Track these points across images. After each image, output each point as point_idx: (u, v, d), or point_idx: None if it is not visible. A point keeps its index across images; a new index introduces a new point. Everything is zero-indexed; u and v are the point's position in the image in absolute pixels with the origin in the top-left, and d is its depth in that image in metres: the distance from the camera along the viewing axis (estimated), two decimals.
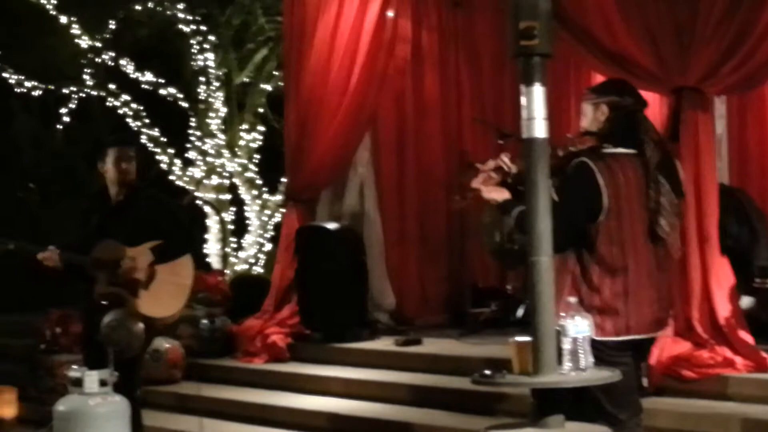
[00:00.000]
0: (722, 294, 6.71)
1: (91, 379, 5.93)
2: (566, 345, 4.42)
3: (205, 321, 9.50)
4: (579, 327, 4.43)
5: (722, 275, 6.74)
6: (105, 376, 5.98)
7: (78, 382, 5.96)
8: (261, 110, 12.50)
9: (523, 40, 4.36)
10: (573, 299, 4.57)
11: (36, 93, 13.28)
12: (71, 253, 6.65)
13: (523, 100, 4.41)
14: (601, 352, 4.75)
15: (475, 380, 4.52)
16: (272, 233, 12.32)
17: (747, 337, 6.66)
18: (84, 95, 13.09)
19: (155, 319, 6.63)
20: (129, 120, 12.72)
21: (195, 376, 8.92)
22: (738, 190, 8.11)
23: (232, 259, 12.25)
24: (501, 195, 4.97)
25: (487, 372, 4.47)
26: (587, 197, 4.85)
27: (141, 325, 6.41)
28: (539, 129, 4.39)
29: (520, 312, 9.14)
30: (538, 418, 4.42)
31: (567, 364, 4.42)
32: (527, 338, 4.45)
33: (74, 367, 6.30)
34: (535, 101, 4.39)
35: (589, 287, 4.88)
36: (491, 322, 9.26)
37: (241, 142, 12.45)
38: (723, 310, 6.68)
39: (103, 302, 6.55)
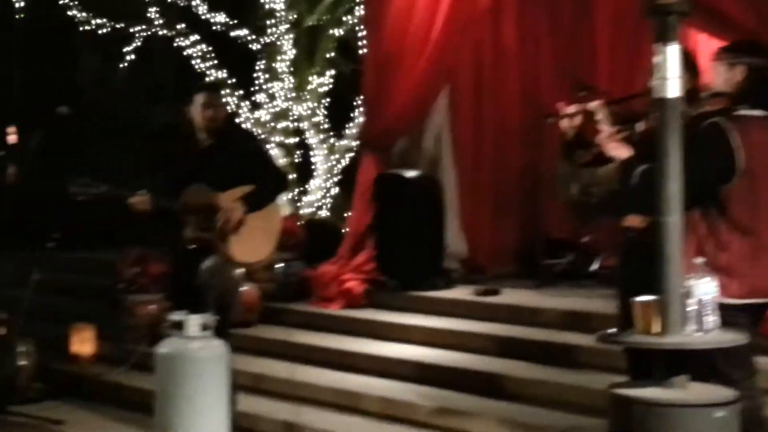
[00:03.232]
0: None
1: (194, 323, 5.98)
2: (692, 306, 4.40)
3: (280, 265, 9.51)
4: (705, 288, 4.41)
5: None
6: (207, 320, 6.02)
7: (179, 326, 6.01)
8: (331, 54, 12.41)
9: None
10: (700, 260, 4.54)
11: (102, 31, 13.21)
12: (161, 197, 6.69)
13: (657, 59, 4.35)
14: (721, 312, 4.73)
15: (600, 338, 4.52)
16: (339, 177, 12.30)
17: None
18: (148, 34, 13.01)
19: (244, 265, 6.68)
20: (195, 62, 12.65)
21: (271, 319, 8.96)
22: None
23: (298, 204, 12.26)
24: (625, 152, 4.92)
25: (612, 330, 4.47)
26: (718, 158, 4.79)
27: (238, 270, 6.46)
28: (672, 89, 4.34)
29: (595, 265, 9.14)
30: (661, 378, 4.42)
31: (692, 326, 4.41)
32: (650, 297, 4.44)
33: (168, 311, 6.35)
34: (670, 61, 4.34)
35: (717, 246, 4.82)
36: (566, 274, 9.26)
37: (310, 87, 12.39)
38: None
39: (192, 246, 6.60)
